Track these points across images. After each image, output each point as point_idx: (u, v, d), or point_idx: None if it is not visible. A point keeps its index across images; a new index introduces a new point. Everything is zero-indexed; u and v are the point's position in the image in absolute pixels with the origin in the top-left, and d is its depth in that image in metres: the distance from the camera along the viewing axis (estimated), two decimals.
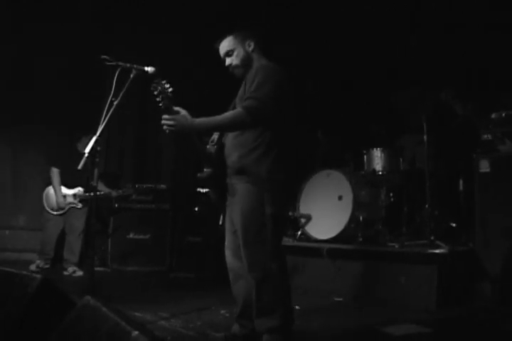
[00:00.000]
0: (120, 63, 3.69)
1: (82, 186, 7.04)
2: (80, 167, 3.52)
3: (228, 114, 3.23)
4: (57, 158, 7.23)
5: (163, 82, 3.14)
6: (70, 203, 6.99)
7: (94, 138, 3.57)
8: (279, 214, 3.33)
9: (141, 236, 7.52)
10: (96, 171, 3.75)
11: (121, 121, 8.40)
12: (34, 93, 7.92)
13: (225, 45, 3.53)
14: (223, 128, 3.36)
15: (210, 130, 3.36)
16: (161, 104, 3.16)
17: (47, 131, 8.14)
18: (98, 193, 6.93)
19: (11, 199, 8.10)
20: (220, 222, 3.87)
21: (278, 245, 3.37)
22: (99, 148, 3.60)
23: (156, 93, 3.14)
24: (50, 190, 7.05)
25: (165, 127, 3.11)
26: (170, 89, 3.18)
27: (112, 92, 3.62)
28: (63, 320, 2.10)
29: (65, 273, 6.86)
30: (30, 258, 7.24)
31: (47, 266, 7.00)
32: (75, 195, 7.00)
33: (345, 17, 7.33)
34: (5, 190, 8.08)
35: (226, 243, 3.60)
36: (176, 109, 3.16)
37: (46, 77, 7.89)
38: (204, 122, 3.17)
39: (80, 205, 7.01)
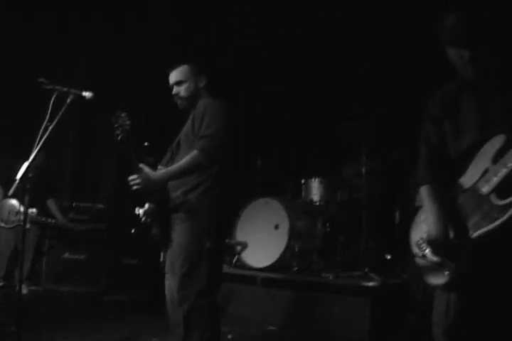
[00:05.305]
0: (57, 87, 3.60)
1: (36, 206, 6.86)
2: (10, 193, 3.47)
3: (185, 160, 3.23)
4: None
5: (123, 115, 3.22)
6: (20, 220, 6.80)
7: (25, 164, 3.48)
8: (217, 248, 3.33)
9: (77, 256, 7.36)
10: (27, 198, 3.64)
11: (61, 141, 8.27)
12: None
13: (177, 74, 3.54)
14: (184, 174, 3.31)
15: (172, 179, 3.35)
16: (119, 137, 3.22)
17: None
18: (49, 220, 6.89)
19: None
20: (161, 259, 3.79)
21: (213, 280, 3.32)
22: (30, 175, 3.51)
23: (116, 125, 3.21)
24: (5, 202, 6.88)
25: (133, 187, 3.20)
26: (128, 122, 3.24)
27: (48, 117, 3.52)
28: None
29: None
30: None
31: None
32: None
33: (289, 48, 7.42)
34: None
35: (167, 276, 3.55)
36: (140, 166, 3.23)
37: None
38: (165, 174, 3.27)
39: (28, 225, 6.81)
